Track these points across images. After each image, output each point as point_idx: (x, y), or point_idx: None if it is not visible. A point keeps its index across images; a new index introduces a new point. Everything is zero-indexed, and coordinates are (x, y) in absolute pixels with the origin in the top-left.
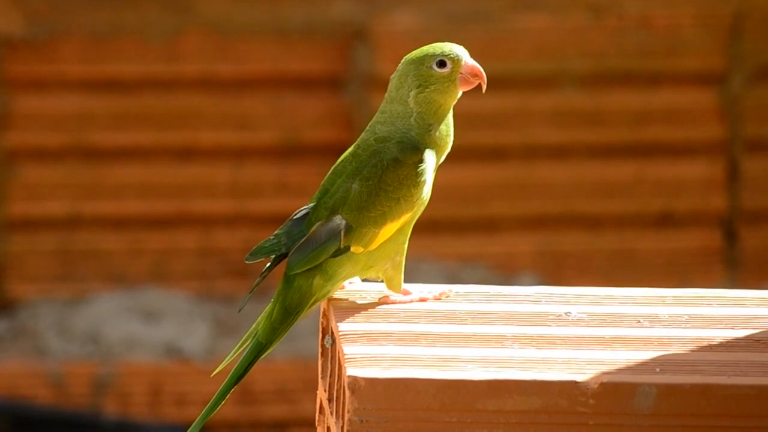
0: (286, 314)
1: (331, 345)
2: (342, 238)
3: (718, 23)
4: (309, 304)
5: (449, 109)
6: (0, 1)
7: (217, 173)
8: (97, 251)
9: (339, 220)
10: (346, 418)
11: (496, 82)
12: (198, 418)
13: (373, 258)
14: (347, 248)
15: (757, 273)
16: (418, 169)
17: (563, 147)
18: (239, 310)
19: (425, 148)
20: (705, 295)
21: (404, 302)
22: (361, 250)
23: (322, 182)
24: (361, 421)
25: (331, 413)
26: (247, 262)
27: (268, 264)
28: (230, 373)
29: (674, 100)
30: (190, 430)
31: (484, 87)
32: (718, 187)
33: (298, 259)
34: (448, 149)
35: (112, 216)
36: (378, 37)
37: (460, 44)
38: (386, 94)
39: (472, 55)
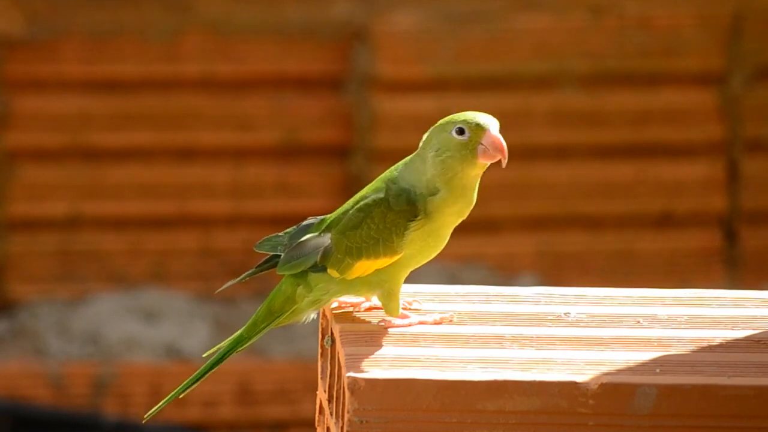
0: (269, 314)
1: (331, 345)
2: (320, 255)
3: (718, 23)
4: (290, 310)
5: (469, 179)
6: (0, 1)
7: (217, 173)
8: (97, 251)
9: (326, 239)
10: (345, 419)
11: (496, 82)
12: (164, 399)
13: (353, 286)
14: (324, 268)
15: (757, 273)
16: (407, 221)
17: (563, 147)
18: (216, 291)
19: (422, 208)
20: (704, 295)
21: (403, 326)
22: (336, 275)
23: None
24: (361, 422)
25: (331, 414)
26: (255, 249)
27: (263, 261)
28: (208, 361)
29: (674, 100)
30: (154, 409)
31: (504, 162)
32: (718, 187)
33: (285, 261)
34: (461, 219)
35: (112, 216)
36: (378, 38)
37: (459, 45)
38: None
39: (471, 55)
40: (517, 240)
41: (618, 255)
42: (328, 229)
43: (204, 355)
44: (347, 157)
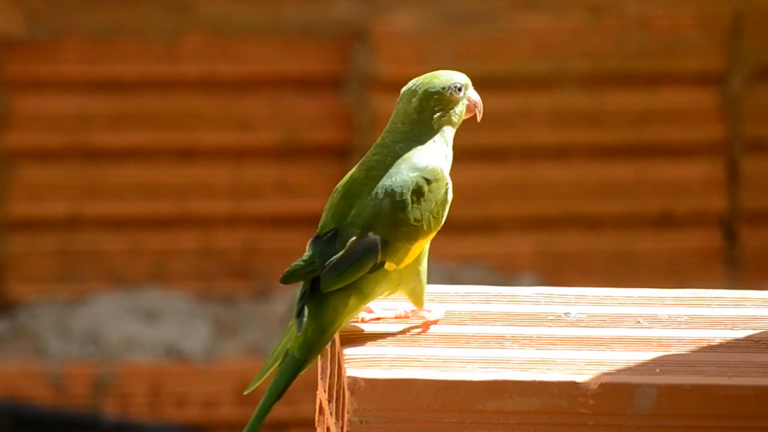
0: (322, 331)
1: (331, 345)
2: (379, 252)
3: (718, 23)
4: (344, 321)
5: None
6: (0, 2)
7: (217, 173)
8: (97, 251)
9: (373, 236)
10: (345, 419)
11: (496, 82)
12: None
13: (403, 277)
14: (382, 264)
15: (757, 273)
16: (447, 188)
17: (563, 147)
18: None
19: (446, 170)
20: (704, 295)
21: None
22: (393, 266)
23: (331, 206)
24: (361, 422)
25: (331, 414)
26: (282, 284)
27: (303, 287)
28: (267, 392)
29: (674, 100)
30: None
31: (480, 117)
32: (718, 187)
33: (333, 276)
34: None
35: (112, 216)
36: (378, 38)
37: (459, 45)
38: (395, 116)
39: (471, 55)
40: (517, 240)
41: (618, 255)
42: (364, 229)
43: (247, 391)
44: (347, 157)
